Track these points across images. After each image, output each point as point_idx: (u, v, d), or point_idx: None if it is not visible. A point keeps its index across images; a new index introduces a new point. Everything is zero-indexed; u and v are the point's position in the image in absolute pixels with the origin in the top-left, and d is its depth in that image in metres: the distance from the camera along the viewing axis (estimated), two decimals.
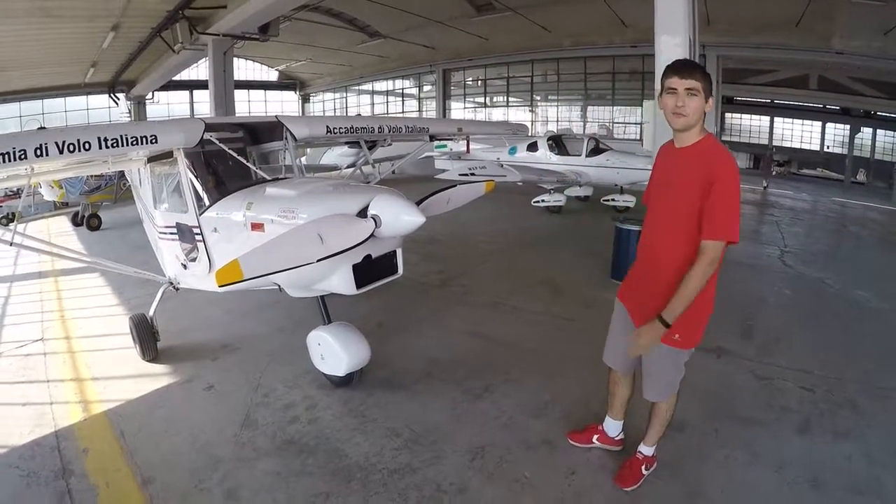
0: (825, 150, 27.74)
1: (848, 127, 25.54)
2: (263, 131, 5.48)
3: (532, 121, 23.82)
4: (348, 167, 9.34)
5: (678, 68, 2.58)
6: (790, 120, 28.44)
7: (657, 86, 6.12)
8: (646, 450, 3.16)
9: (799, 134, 28.67)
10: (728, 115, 28.06)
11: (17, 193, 12.19)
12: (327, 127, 5.58)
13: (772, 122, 28.97)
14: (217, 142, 4.60)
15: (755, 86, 23.51)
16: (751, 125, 29.71)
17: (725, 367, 4.65)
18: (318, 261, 3.23)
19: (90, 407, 4.28)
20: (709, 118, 10.04)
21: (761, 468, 3.28)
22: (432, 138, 7.09)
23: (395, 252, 3.91)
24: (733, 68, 19.89)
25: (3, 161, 3.29)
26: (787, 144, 28.72)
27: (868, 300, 6.56)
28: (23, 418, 4.14)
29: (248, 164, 4.80)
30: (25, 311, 6.95)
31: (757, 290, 6.83)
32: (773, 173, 19.15)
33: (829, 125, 27.38)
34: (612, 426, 3.44)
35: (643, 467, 3.14)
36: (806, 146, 28.38)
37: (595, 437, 3.48)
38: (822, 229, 11.94)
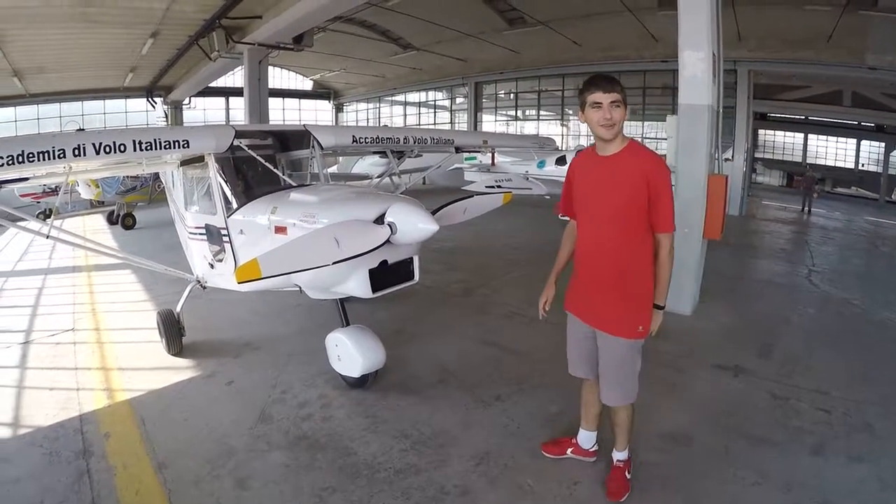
0: (860, 168, 27.13)
1: (883, 144, 25.00)
2: (291, 139, 5.65)
3: (563, 134, 23.77)
4: (378, 177, 9.54)
5: (600, 84, 2.71)
6: (824, 137, 27.94)
7: (681, 99, 6.22)
8: (621, 455, 3.22)
9: (833, 151, 28.13)
10: (761, 131, 27.68)
11: (55, 191, 12.66)
12: (353, 136, 5.72)
13: (806, 139, 28.50)
14: (246, 148, 4.78)
15: (788, 102, 23.18)
16: (784, 142, 29.26)
17: (742, 385, 4.61)
18: (334, 263, 3.35)
19: (114, 395, 4.49)
20: (740, 134, 9.99)
21: (769, 488, 3.21)
22: (458, 150, 7.18)
23: (411, 259, 4.00)
24: (766, 84, 19.66)
25: (43, 159, 3.49)
26: (821, 162, 28.17)
27: (894, 322, 6.42)
28: (50, 402, 4.37)
29: (276, 171, 4.94)
30: (59, 302, 7.27)
31: (780, 308, 6.74)
32: (815, 196, 17.89)
33: (864, 142, 26.77)
34: (586, 437, 3.46)
35: (626, 473, 3.19)
36: (840, 164, 27.80)
37: (569, 449, 3.51)
38: (852, 249, 11.70)
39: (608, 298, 2.93)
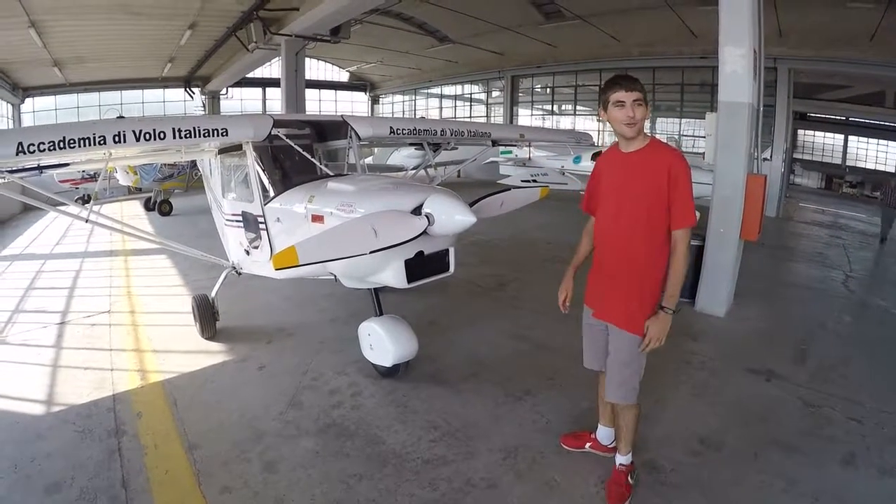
0: None
1: None
2: (329, 129, 5.68)
3: (600, 130, 23.51)
4: (413, 168, 9.55)
5: (623, 83, 2.75)
6: (865, 139, 27.18)
7: (720, 96, 6.10)
8: (623, 459, 3.18)
9: (874, 154, 27.31)
10: (800, 131, 27.04)
11: (93, 177, 12.96)
12: (391, 128, 5.73)
13: (846, 140, 27.79)
14: (284, 137, 4.81)
15: (829, 102, 22.62)
16: (824, 143, 28.56)
17: (774, 390, 4.51)
18: (371, 253, 3.36)
19: (148, 376, 4.60)
20: (779, 133, 9.64)
21: (797, 497, 3.15)
22: (495, 143, 7.16)
23: (447, 250, 3.99)
24: (806, 83, 19.15)
25: (84, 145, 3.56)
26: (861, 165, 27.44)
27: None
28: (84, 381, 4.50)
29: (313, 160, 4.97)
30: (96, 285, 7.46)
31: (816, 314, 6.57)
32: None
33: None
34: (605, 434, 3.48)
35: (627, 477, 3.15)
36: (881, 167, 26.97)
37: (588, 444, 3.53)
38: (892, 256, 11.34)
39: (621, 294, 2.95)
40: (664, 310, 2.83)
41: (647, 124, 2.86)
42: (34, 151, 3.37)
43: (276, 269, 3.33)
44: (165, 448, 3.56)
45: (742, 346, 5.39)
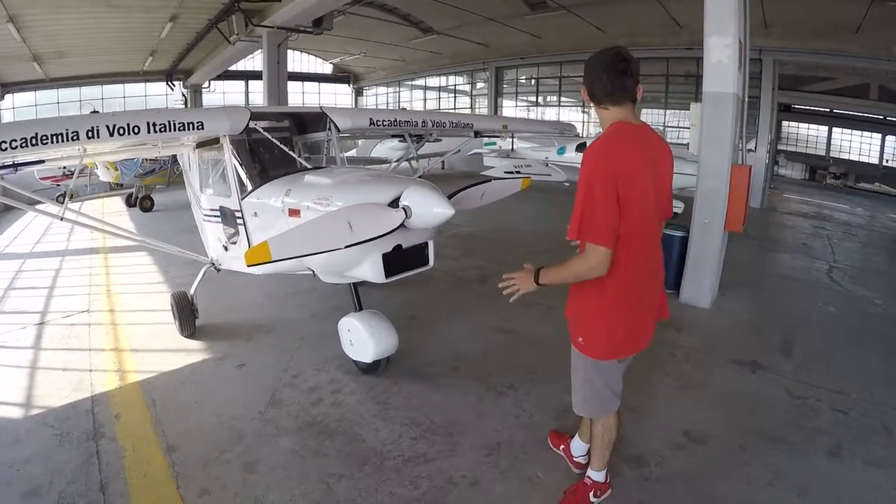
0: (884, 163, 26.56)
1: None
2: (308, 121, 5.62)
3: (584, 121, 23.51)
4: (396, 161, 9.49)
5: None
6: (849, 131, 27.43)
7: (705, 86, 6.07)
8: (594, 475, 2.97)
9: (857, 146, 27.57)
10: (785, 123, 27.20)
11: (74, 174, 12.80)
12: (371, 119, 5.68)
13: (830, 132, 28.00)
14: (261, 130, 4.74)
15: (813, 93, 22.77)
16: (808, 135, 28.78)
17: (759, 382, 4.51)
18: (346, 247, 3.30)
19: (126, 376, 4.53)
20: (764, 125, 9.54)
21: (783, 490, 3.13)
22: (477, 134, 7.12)
23: (426, 244, 3.94)
24: (791, 74, 19.26)
25: (57, 141, 3.49)
26: (845, 156, 27.71)
27: None
28: (62, 382, 4.42)
29: (291, 153, 4.91)
30: (75, 283, 7.36)
31: (800, 305, 6.58)
32: None
33: (890, 137, 26.16)
34: (578, 447, 3.29)
35: (591, 493, 2.95)
36: (864, 159, 27.26)
37: (562, 446, 3.41)
38: (875, 246, 11.42)
39: (568, 299, 2.85)
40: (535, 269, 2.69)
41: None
42: (6, 149, 3.29)
43: (249, 266, 3.26)
44: (144, 450, 3.50)
45: (727, 338, 5.39)
